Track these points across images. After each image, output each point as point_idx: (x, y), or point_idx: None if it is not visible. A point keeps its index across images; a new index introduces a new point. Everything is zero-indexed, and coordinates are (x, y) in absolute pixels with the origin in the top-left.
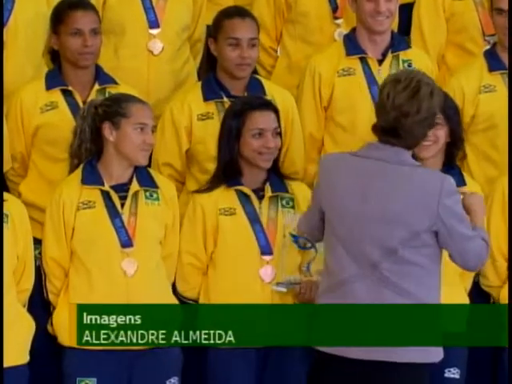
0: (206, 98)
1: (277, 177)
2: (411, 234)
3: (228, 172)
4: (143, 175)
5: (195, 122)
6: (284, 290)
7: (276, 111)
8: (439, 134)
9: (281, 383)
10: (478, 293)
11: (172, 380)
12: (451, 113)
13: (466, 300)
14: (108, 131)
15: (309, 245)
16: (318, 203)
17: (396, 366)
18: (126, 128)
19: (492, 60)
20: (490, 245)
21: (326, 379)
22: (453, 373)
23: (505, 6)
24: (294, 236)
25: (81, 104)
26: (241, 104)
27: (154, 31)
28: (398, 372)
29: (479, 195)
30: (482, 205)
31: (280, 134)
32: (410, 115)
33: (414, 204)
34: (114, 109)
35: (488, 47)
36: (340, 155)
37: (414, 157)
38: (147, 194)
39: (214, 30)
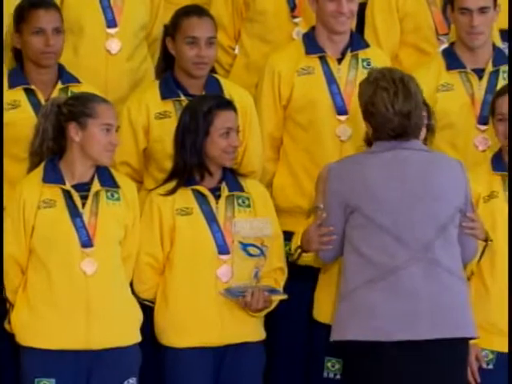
0: (164, 97)
1: (232, 176)
2: (454, 209)
3: (194, 173)
4: (105, 175)
5: (153, 120)
6: (230, 297)
7: (236, 110)
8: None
9: (238, 381)
10: None
11: (130, 380)
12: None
13: None
14: (74, 131)
15: (258, 252)
16: (343, 208)
17: (456, 342)
18: (92, 128)
19: (450, 59)
20: None
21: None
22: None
23: (470, 5)
24: (242, 244)
25: (43, 103)
26: (207, 104)
27: (112, 30)
28: (458, 348)
29: None
30: None
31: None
32: (412, 114)
33: (450, 182)
34: (80, 109)
35: (445, 46)
36: (355, 157)
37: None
38: (108, 194)
39: (172, 29)
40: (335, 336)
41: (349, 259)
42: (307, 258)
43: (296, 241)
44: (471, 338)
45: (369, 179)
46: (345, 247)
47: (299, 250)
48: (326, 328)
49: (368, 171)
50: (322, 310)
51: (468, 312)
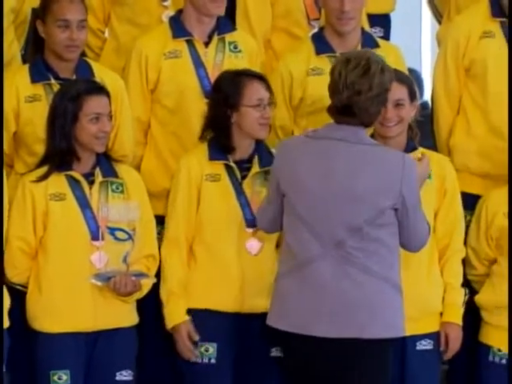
0: (34, 80)
1: (106, 161)
2: (376, 212)
3: (64, 158)
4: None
5: (23, 104)
6: (99, 283)
7: (108, 95)
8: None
9: (110, 366)
10: None
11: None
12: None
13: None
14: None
15: (126, 237)
16: (277, 187)
17: (361, 343)
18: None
19: (319, 43)
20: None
21: (290, 358)
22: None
23: None
24: (110, 228)
25: None
26: (76, 88)
27: None
28: (362, 348)
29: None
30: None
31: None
32: (362, 92)
33: (379, 182)
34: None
35: (315, 31)
36: (298, 138)
37: (374, 136)
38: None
39: (42, 12)
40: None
41: (282, 246)
42: None
43: None
44: (379, 340)
45: (298, 169)
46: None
47: None
48: (201, 313)
49: (299, 160)
50: (189, 295)
51: (381, 312)
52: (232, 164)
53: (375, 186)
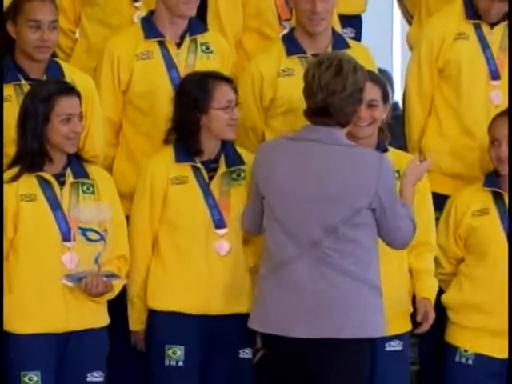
0: (4, 81)
1: (78, 162)
2: (352, 211)
3: (36, 159)
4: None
5: None
6: (70, 284)
7: (79, 96)
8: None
9: (81, 366)
10: None
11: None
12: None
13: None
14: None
15: (97, 237)
16: (257, 189)
17: (338, 343)
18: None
19: (290, 44)
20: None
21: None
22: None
23: None
24: (81, 229)
25: None
26: (47, 89)
27: None
28: (339, 348)
29: (413, 160)
30: (414, 172)
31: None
32: (336, 93)
33: (354, 182)
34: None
35: (286, 31)
36: (276, 140)
37: (347, 136)
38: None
39: (14, 13)
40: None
41: (263, 247)
42: None
43: None
44: (356, 340)
45: (275, 171)
46: None
47: None
48: (168, 315)
49: (277, 162)
50: (157, 297)
51: (357, 312)
52: (199, 165)
53: (350, 185)
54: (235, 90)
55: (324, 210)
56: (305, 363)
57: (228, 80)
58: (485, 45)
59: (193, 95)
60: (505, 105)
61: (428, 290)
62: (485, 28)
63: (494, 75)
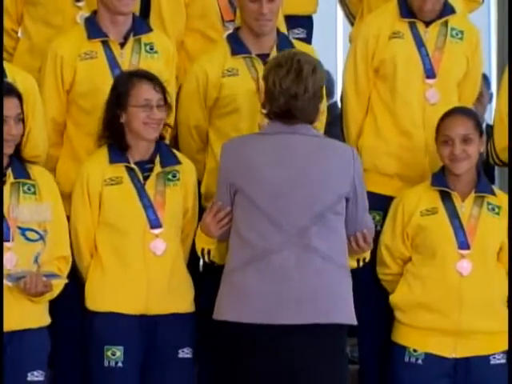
0: None
1: (19, 162)
2: (336, 197)
3: None
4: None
5: None
6: (9, 283)
7: (19, 97)
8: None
9: (22, 367)
10: None
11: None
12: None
13: None
14: None
15: (37, 237)
16: (229, 187)
17: (326, 328)
18: None
19: (235, 44)
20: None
21: (250, 349)
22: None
23: None
24: (21, 229)
25: None
26: None
27: None
28: (328, 334)
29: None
30: None
31: (22, 119)
32: (299, 96)
33: (336, 169)
34: None
35: (230, 31)
36: (246, 137)
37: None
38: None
39: None
40: (214, 315)
41: (231, 240)
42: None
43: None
44: (341, 325)
45: (253, 161)
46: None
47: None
48: (107, 316)
49: (254, 153)
50: (96, 299)
51: (341, 299)
52: (133, 166)
53: (333, 171)
54: (160, 91)
55: (310, 195)
56: (289, 350)
57: (152, 79)
58: (420, 43)
59: (115, 92)
60: (443, 103)
61: None
62: (420, 27)
63: (429, 74)
